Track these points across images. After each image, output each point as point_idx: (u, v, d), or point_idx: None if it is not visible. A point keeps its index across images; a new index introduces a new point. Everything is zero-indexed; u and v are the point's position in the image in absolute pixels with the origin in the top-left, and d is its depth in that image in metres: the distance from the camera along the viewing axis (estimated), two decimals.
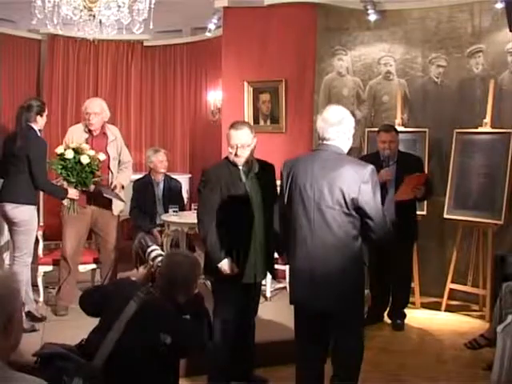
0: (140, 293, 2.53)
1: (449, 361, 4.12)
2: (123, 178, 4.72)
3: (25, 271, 4.19)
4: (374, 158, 4.28)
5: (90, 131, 4.57)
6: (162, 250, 4.90)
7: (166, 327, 2.46)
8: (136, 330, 2.41)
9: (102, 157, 4.44)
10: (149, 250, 2.82)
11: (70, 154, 4.26)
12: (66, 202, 4.41)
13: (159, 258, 2.75)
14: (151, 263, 2.76)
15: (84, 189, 4.38)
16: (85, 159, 4.27)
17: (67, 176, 4.30)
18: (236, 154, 3.29)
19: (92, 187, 4.42)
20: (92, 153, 4.37)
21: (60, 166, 4.28)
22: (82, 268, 4.83)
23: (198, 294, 2.71)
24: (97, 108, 4.53)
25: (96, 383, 2.25)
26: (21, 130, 4.19)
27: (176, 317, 2.58)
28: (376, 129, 4.91)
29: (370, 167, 2.83)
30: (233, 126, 3.34)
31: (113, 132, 4.71)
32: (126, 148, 4.88)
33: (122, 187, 4.67)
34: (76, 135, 4.56)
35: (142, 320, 2.44)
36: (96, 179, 4.41)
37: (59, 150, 4.31)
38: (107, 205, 4.61)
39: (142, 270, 2.83)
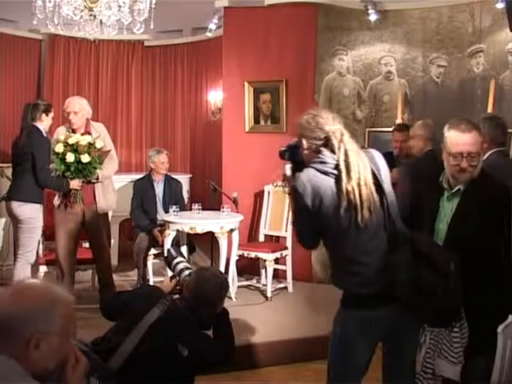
0: (165, 301, 2.50)
1: None
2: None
3: (27, 270, 4.21)
4: (387, 158, 4.27)
5: (73, 130, 4.53)
6: (163, 250, 4.94)
7: (186, 339, 2.43)
8: (156, 336, 2.37)
9: (98, 144, 4.38)
10: (174, 261, 2.77)
11: (71, 158, 4.24)
12: (71, 192, 4.41)
13: (186, 272, 2.71)
14: (177, 276, 2.72)
15: (90, 180, 4.41)
16: (85, 158, 4.26)
17: (71, 175, 4.31)
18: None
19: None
20: (88, 138, 4.32)
21: (63, 167, 4.28)
22: (83, 268, 4.84)
23: (223, 309, 2.69)
24: (76, 107, 4.49)
25: None
26: (25, 128, 4.23)
27: (197, 331, 2.54)
28: (376, 129, 4.92)
29: None
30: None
31: (97, 129, 4.66)
32: (113, 145, 4.80)
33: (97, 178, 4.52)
34: (59, 136, 4.52)
35: (163, 328, 2.40)
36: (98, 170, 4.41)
37: (59, 148, 4.28)
38: (92, 203, 4.57)
39: (167, 281, 2.79)
